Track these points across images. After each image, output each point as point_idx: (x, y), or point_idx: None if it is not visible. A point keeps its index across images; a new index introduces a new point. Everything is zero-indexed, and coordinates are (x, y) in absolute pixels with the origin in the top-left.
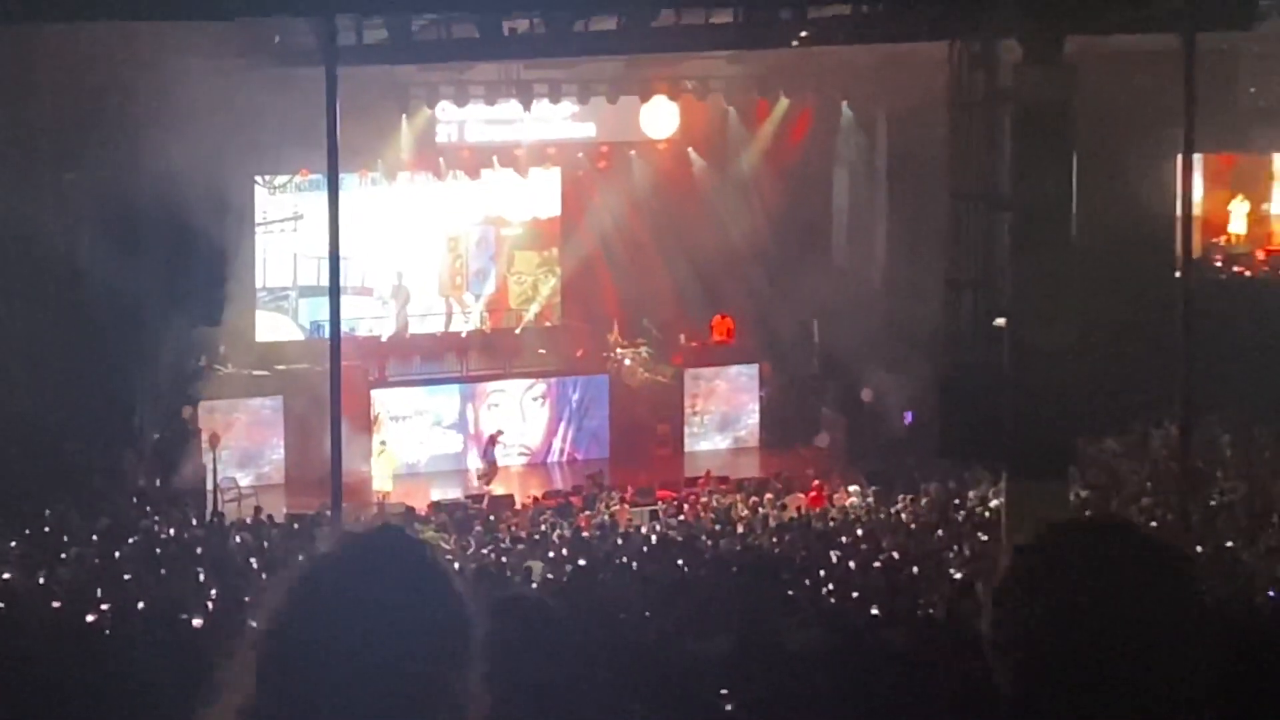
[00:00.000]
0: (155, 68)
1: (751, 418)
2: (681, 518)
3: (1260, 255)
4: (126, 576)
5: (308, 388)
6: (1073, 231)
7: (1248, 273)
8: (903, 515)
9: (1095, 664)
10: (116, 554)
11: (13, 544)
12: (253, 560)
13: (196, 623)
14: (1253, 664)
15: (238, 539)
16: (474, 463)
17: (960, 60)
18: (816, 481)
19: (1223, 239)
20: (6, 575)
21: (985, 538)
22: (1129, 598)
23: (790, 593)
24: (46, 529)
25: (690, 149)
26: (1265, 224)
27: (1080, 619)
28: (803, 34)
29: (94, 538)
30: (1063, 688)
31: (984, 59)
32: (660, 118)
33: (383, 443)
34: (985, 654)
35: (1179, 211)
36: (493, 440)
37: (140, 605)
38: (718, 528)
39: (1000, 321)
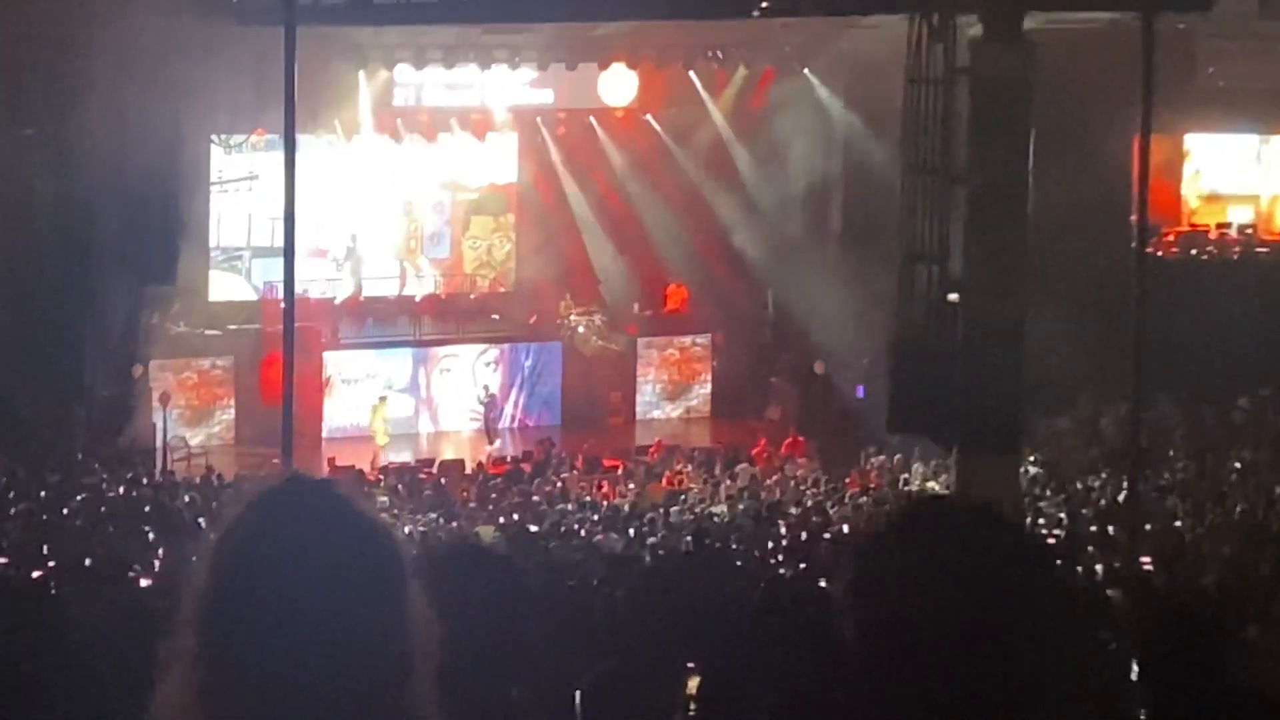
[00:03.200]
0: (112, 24)
1: (704, 387)
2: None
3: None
4: (74, 534)
5: (260, 349)
6: (1029, 208)
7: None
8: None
9: (937, 643)
10: (64, 511)
11: None
12: (201, 520)
13: (144, 582)
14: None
15: (186, 498)
16: (426, 426)
17: (919, 34)
18: (763, 440)
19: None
20: None
21: None
22: (978, 582)
23: (739, 563)
24: None
25: (648, 117)
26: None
27: (929, 598)
28: (763, 4)
29: (41, 494)
30: (905, 662)
31: (942, 34)
32: (619, 85)
33: (382, 398)
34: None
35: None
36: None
37: (87, 563)
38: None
39: (954, 296)
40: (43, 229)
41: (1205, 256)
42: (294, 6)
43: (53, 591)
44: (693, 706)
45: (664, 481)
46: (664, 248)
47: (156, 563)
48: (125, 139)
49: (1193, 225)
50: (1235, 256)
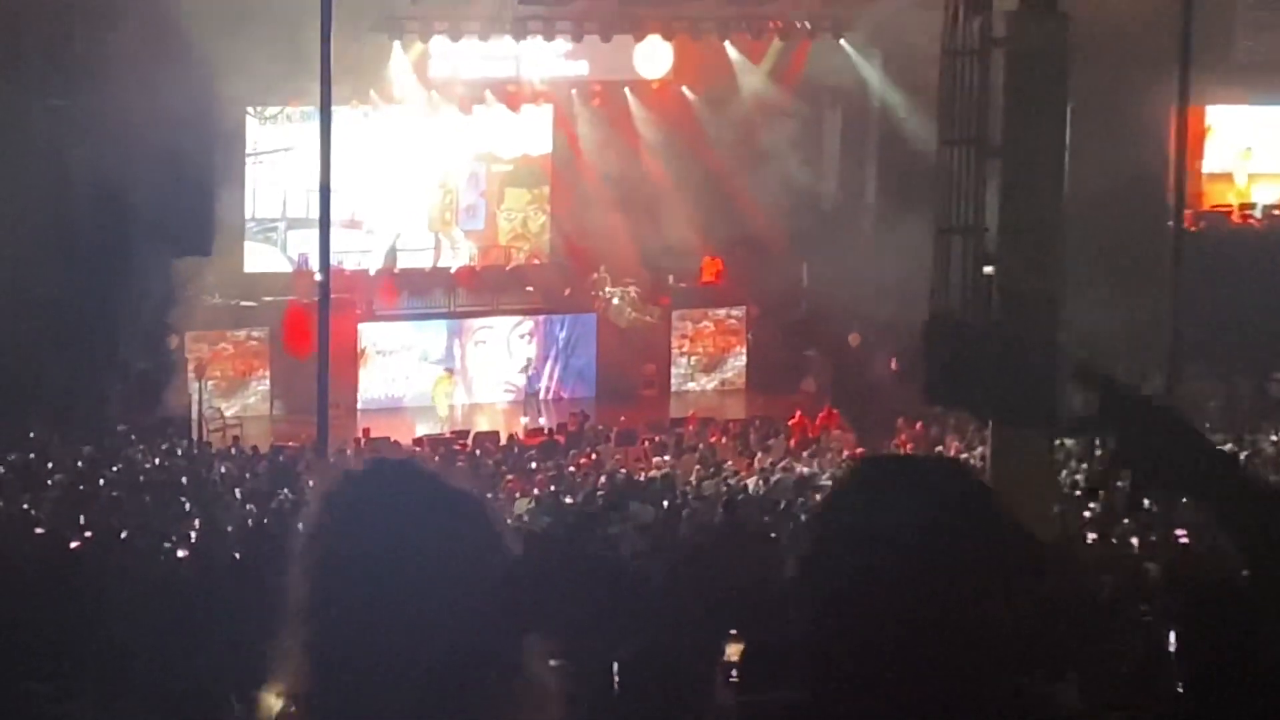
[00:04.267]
0: None
1: (739, 360)
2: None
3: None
4: (110, 505)
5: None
6: (1065, 181)
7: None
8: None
9: (896, 604)
10: (100, 481)
11: (3, 470)
12: (236, 491)
13: (180, 553)
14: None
15: (222, 469)
16: (460, 398)
17: (955, 6)
18: (798, 413)
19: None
20: None
21: None
22: (942, 536)
23: (773, 535)
24: (31, 454)
25: (684, 88)
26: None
27: (888, 554)
28: None
29: (78, 465)
30: (861, 622)
31: (979, 5)
32: (654, 57)
33: (448, 370)
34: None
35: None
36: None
37: (123, 534)
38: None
39: (989, 269)
40: (77, 201)
41: (1246, 225)
42: None
43: (90, 561)
44: (734, 674)
45: (697, 454)
46: (699, 220)
47: (192, 534)
48: (160, 110)
49: (1214, 207)
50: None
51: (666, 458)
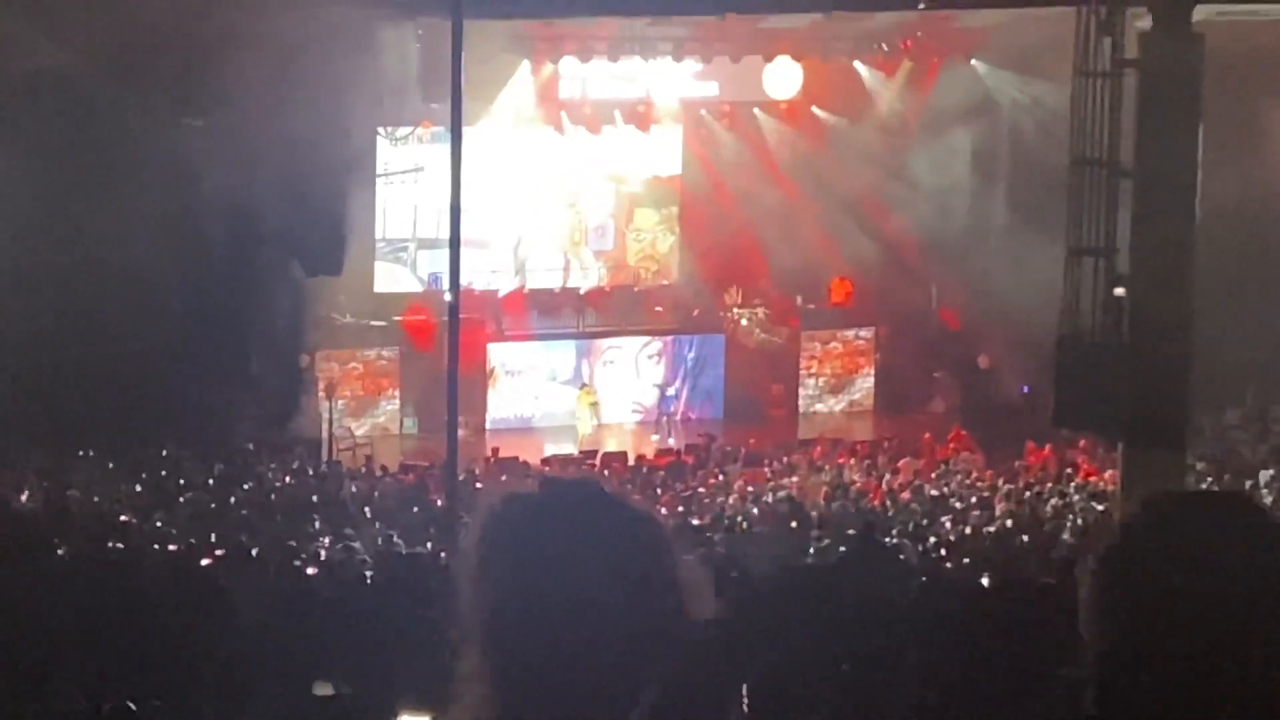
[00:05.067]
0: (281, 17)
1: (867, 381)
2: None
3: None
4: (241, 523)
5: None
6: (1197, 201)
7: None
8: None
9: (1199, 641)
10: (231, 499)
11: (137, 488)
12: (366, 509)
13: (310, 571)
14: None
15: (352, 488)
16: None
17: (1087, 26)
18: (926, 435)
19: None
20: (124, 517)
21: (1101, 508)
22: (1241, 575)
23: (901, 556)
24: (164, 472)
25: (814, 108)
26: None
27: (1188, 594)
28: None
29: (209, 482)
30: (1159, 661)
31: (1111, 25)
32: (784, 78)
33: (584, 386)
34: (1082, 620)
35: None
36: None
37: (254, 551)
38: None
39: (1120, 291)
40: (212, 220)
41: None
42: (461, 1)
43: (221, 578)
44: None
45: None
46: (828, 240)
47: (321, 552)
48: (293, 131)
49: None
50: None
51: (794, 479)
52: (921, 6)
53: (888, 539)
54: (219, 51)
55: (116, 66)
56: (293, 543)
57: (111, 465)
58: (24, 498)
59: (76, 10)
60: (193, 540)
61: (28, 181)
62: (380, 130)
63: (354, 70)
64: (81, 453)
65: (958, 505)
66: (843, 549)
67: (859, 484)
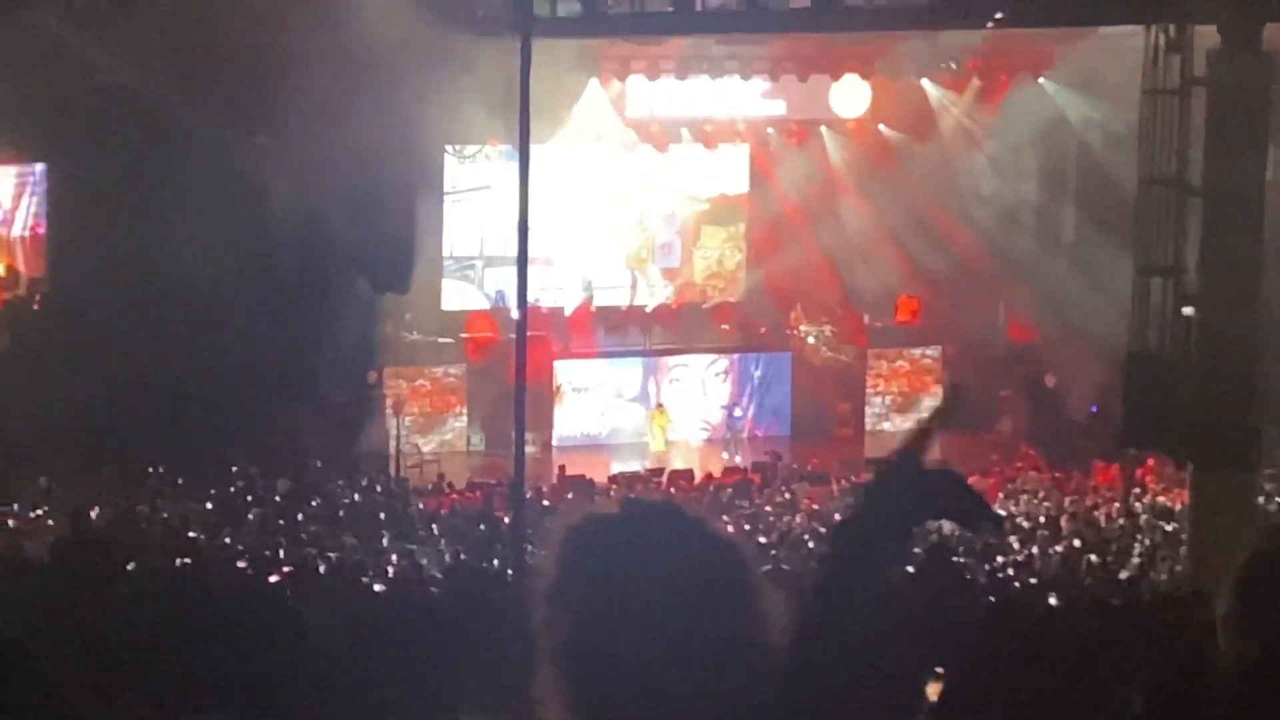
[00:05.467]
0: (350, 35)
1: (933, 400)
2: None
3: None
4: (309, 539)
5: (492, 357)
6: (1265, 220)
7: None
8: (1085, 502)
9: None
10: (299, 516)
11: (207, 504)
12: (434, 526)
13: (378, 588)
14: None
15: (420, 505)
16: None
17: (1155, 44)
18: (994, 454)
19: None
20: (193, 534)
21: (1169, 528)
22: None
23: (969, 576)
24: (233, 489)
25: (881, 126)
26: None
27: None
28: (998, 15)
29: (277, 499)
30: None
31: (1179, 44)
32: (851, 96)
33: (659, 406)
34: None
35: None
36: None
37: (322, 569)
38: None
39: (1189, 310)
40: (280, 236)
41: None
42: (530, 18)
43: (289, 595)
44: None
45: None
46: (895, 259)
47: (390, 569)
48: (361, 148)
49: None
50: None
51: None
52: (990, 25)
53: (955, 558)
54: (289, 69)
55: (188, 85)
56: (360, 558)
57: (181, 482)
58: (94, 514)
59: (149, 29)
60: (264, 554)
61: (100, 200)
62: (448, 148)
63: (422, 89)
64: (151, 469)
65: (1025, 525)
66: (910, 569)
67: None
